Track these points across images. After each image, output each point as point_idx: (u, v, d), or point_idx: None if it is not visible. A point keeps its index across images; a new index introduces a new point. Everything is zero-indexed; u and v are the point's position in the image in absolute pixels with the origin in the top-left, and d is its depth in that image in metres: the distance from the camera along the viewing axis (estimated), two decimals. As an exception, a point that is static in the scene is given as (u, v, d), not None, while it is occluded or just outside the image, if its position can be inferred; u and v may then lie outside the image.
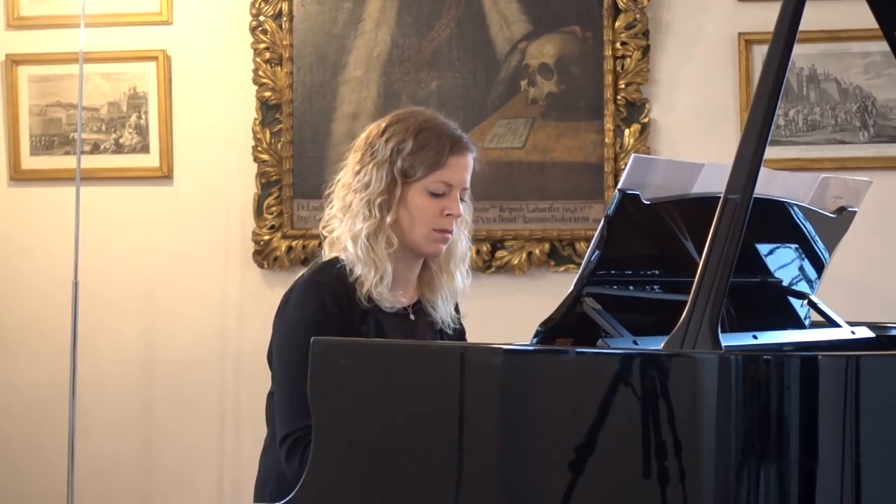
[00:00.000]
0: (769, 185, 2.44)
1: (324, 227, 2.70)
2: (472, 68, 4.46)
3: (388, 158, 2.60)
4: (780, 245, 2.66)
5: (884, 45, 2.54)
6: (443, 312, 2.71)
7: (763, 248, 2.60)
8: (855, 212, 2.75)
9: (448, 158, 2.61)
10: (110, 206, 4.65)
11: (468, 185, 2.66)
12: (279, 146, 4.54)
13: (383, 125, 2.66)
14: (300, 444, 2.45)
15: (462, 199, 2.65)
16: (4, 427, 4.72)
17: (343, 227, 2.63)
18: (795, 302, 2.71)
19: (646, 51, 4.38)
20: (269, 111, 4.56)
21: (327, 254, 2.67)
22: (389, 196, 2.60)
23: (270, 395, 2.65)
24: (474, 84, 4.46)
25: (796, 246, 2.68)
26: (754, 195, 2.10)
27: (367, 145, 2.65)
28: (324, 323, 2.50)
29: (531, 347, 2.17)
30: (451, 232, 2.64)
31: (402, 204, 2.61)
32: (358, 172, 2.64)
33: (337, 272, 2.59)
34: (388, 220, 2.60)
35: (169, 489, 4.64)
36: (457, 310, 2.78)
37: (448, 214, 2.62)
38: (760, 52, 4.26)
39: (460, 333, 2.79)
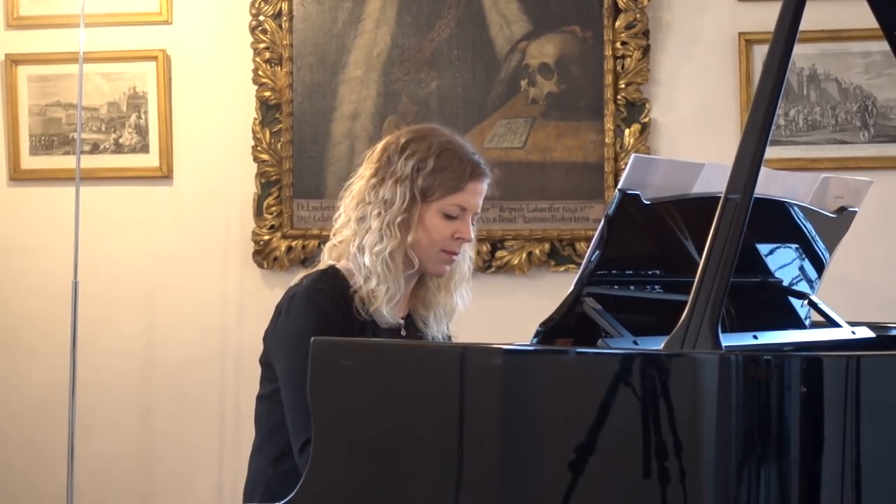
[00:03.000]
0: (769, 185, 2.43)
1: (334, 234, 2.68)
2: (472, 68, 4.46)
3: (409, 176, 2.59)
4: (780, 245, 2.66)
5: (884, 45, 2.53)
6: (434, 330, 2.71)
7: (763, 248, 2.60)
8: (855, 212, 2.74)
9: (467, 183, 2.61)
10: (110, 206, 4.65)
11: (479, 210, 2.66)
12: (279, 146, 4.54)
13: (403, 140, 2.63)
14: None
15: (472, 223, 2.65)
16: (4, 427, 4.72)
17: (357, 239, 2.61)
18: (796, 302, 2.71)
19: (646, 50, 4.38)
20: (268, 111, 4.56)
21: (325, 260, 2.66)
22: (409, 215, 2.59)
23: (259, 399, 2.65)
24: (474, 84, 4.46)
25: (796, 246, 2.68)
26: (754, 195, 2.10)
27: (386, 159, 2.63)
28: (328, 330, 2.49)
29: (531, 347, 2.17)
30: (457, 254, 2.64)
31: (420, 224, 2.60)
32: (375, 187, 2.61)
33: (336, 282, 2.59)
34: (410, 239, 2.59)
35: (168, 489, 4.64)
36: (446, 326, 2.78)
37: (458, 238, 2.62)
38: (760, 52, 4.25)
39: None
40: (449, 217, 2.60)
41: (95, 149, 4.64)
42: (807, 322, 2.74)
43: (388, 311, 2.58)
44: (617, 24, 4.37)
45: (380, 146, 2.67)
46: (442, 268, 2.64)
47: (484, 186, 2.65)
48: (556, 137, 4.42)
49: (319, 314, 2.53)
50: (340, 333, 2.52)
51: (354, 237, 2.61)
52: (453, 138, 2.67)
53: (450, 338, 2.78)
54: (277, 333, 2.59)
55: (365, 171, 2.66)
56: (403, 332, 2.67)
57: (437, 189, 2.59)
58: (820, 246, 2.71)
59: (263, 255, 4.56)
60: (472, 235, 2.67)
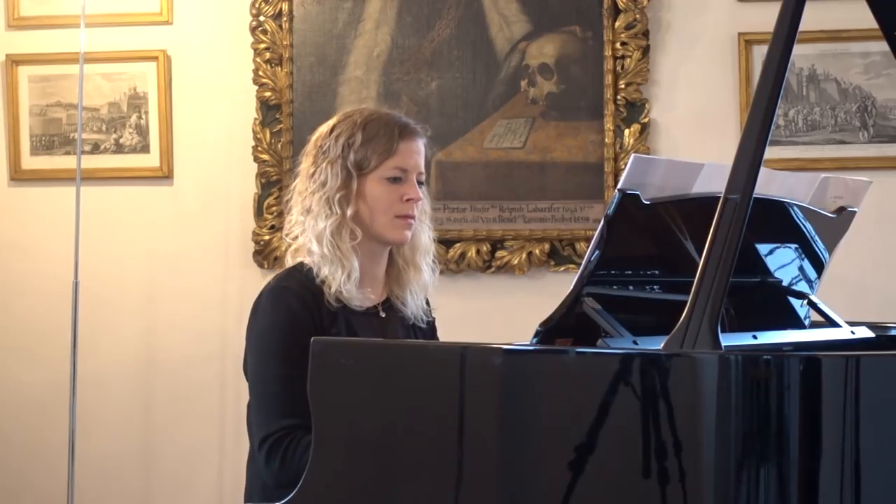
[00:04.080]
0: (769, 185, 2.43)
1: (287, 235, 2.70)
2: (472, 68, 4.46)
3: (341, 154, 2.62)
4: (780, 245, 2.66)
5: (884, 45, 2.53)
6: (413, 307, 2.71)
7: (763, 248, 2.60)
8: (855, 212, 2.75)
9: (398, 144, 2.62)
10: (110, 206, 4.65)
11: (423, 169, 2.67)
12: (279, 146, 4.54)
13: (331, 124, 2.69)
14: (279, 445, 2.47)
15: (419, 185, 2.65)
16: (4, 427, 4.72)
17: (306, 230, 2.63)
18: (795, 302, 2.71)
19: (646, 51, 4.38)
20: (269, 111, 4.56)
21: (290, 262, 2.67)
22: (347, 191, 2.60)
23: (250, 406, 2.66)
24: (474, 84, 4.46)
25: (796, 246, 2.68)
26: (754, 195, 2.10)
27: (318, 147, 2.66)
28: (293, 327, 2.50)
29: (531, 347, 2.17)
30: (413, 217, 2.64)
31: (360, 197, 2.61)
32: (313, 174, 2.64)
33: (302, 277, 2.59)
34: (349, 213, 2.59)
35: (169, 489, 4.64)
36: (427, 303, 2.78)
37: (408, 199, 2.62)
38: (760, 52, 4.26)
39: (432, 326, 2.80)
40: (393, 181, 2.61)
41: (96, 149, 4.64)
42: (806, 322, 2.74)
43: (349, 289, 2.57)
44: (617, 24, 4.37)
45: (311, 139, 2.70)
46: (402, 234, 2.64)
47: (418, 145, 2.66)
48: (556, 137, 4.42)
49: (285, 312, 2.53)
50: (308, 328, 2.50)
51: (305, 229, 2.63)
52: (378, 110, 2.71)
53: (430, 312, 2.79)
54: (247, 333, 2.61)
55: (303, 166, 2.69)
56: (383, 315, 2.67)
57: (372, 158, 2.61)
58: (819, 246, 2.71)
59: (264, 255, 4.56)
60: (426, 205, 2.69)
